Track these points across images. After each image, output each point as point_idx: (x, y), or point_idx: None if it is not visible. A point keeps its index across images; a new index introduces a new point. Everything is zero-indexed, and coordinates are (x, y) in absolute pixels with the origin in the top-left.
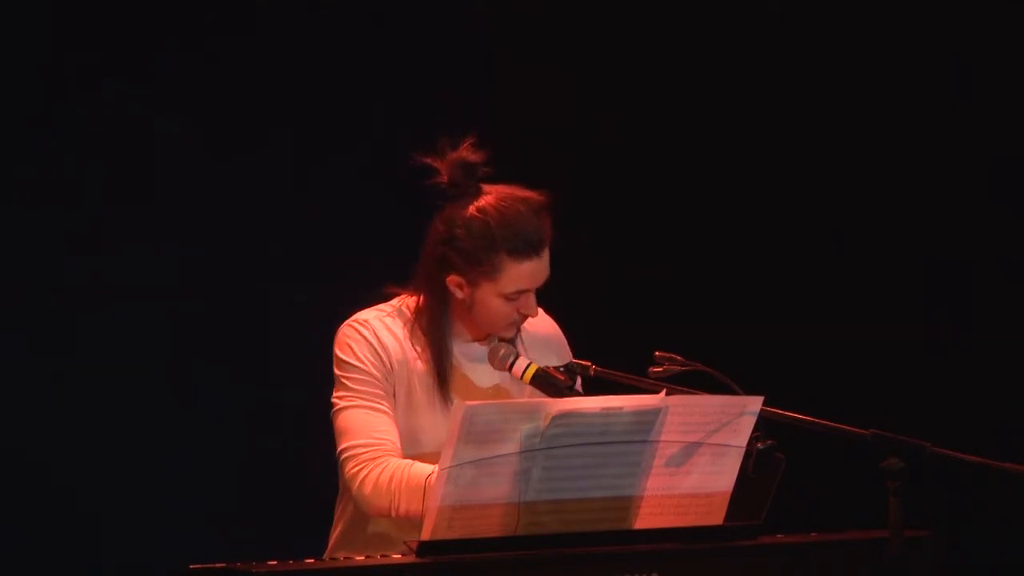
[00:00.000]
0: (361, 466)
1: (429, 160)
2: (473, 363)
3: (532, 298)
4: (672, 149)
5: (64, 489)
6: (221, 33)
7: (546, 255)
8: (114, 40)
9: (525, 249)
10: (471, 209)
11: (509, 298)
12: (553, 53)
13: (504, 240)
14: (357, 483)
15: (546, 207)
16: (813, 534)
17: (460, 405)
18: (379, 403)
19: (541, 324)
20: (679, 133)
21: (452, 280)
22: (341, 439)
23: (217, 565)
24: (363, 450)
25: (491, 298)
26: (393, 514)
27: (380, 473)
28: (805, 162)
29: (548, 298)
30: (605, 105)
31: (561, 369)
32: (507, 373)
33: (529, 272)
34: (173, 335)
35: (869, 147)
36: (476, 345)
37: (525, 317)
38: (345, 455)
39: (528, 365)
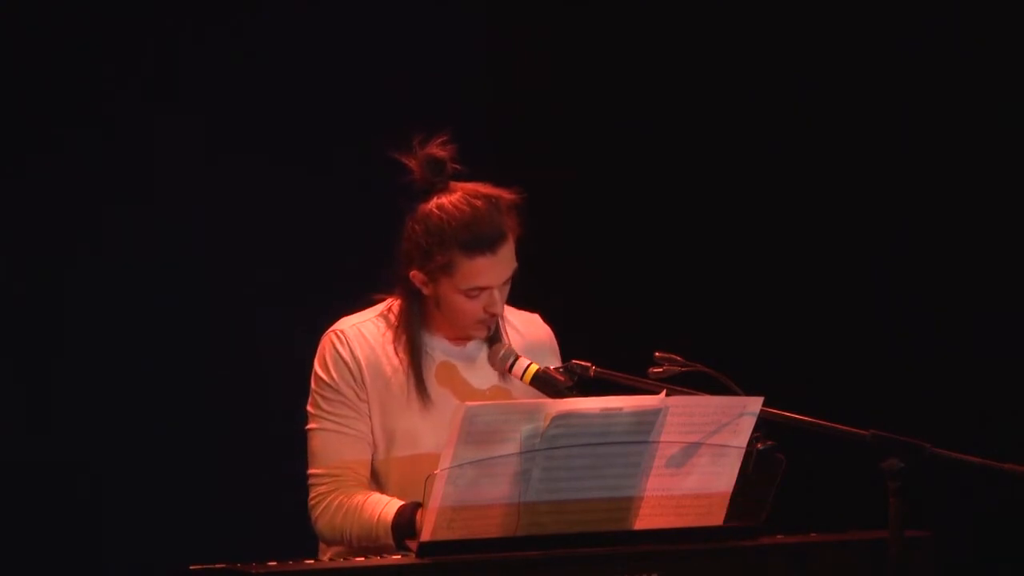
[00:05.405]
0: (319, 498)
1: (401, 157)
2: (464, 362)
3: (494, 295)
4: (672, 149)
5: (64, 489)
6: (221, 33)
7: (503, 253)
8: (114, 40)
9: (478, 246)
10: (431, 205)
11: (469, 295)
12: (553, 53)
13: (455, 236)
14: (314, 516)
15: (512, 205)
16: (813, 534)
17: (460, 406)
18: (348, 424)
19: (534, 329)
20: (680, 133)
21: (415, 276)
22: (309, 463)
23: (217, 565)
24: (323, 481)
25: (452, 294)
26: (347, 547)
27: (335, 508)
28: (806, 160)
29: (549, 296)
30: (605, 105)
31: (561, 370)
32: (494, 371)
33: (483, 269)
34: (173, 335)
35: (867, 146)
36: (471, 345)
37: (493, 316)
38: (308, 482)
39: (528, 365)
